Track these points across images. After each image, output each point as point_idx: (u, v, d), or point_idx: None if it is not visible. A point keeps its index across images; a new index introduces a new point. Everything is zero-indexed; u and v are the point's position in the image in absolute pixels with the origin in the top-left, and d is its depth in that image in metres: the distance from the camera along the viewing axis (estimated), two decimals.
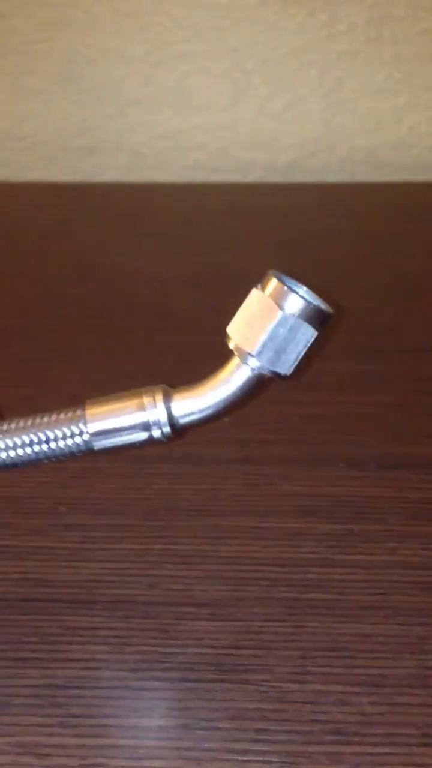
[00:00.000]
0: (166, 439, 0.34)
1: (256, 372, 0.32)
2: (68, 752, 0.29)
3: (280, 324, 0.32)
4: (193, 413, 0.33)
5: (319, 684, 0.31)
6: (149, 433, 0.33)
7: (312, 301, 0.32)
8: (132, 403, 0.33)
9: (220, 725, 0.30)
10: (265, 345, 0.32)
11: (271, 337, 0.32)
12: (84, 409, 0.33)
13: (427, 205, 0.70)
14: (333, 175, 0.75)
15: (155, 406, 0.33)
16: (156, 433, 0.33)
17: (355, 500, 0.39)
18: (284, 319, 0.32)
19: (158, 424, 0.33)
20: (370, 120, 0.75)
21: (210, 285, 0.57)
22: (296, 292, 0.32)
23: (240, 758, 0.29)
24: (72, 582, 0.35)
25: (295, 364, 0.32)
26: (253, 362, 0.32)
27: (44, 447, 0.33)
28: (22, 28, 0.73)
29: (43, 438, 0.33)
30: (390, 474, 0.41)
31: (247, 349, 0.32)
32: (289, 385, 0.45)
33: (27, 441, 0.33)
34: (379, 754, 0.29)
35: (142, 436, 0.33)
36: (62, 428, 0.33)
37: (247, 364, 0.32)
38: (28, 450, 0.33)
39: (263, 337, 0.32)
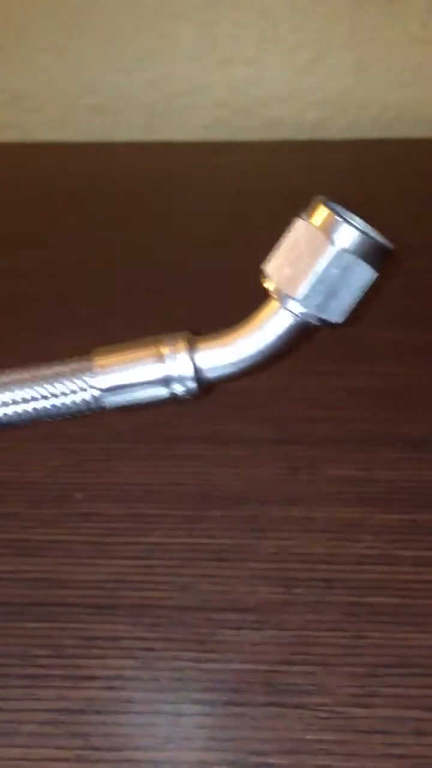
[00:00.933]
0: (191, 397, 0.29)
1: (300, 319, 0.28)
2: None
3: (332, 262, 0.27)
4: (222, 366, 0.29)
5: (391, 709, 0.26)
6: (170, 390, 0.29)
7: (370, 234, 0.27)
8: (148, 352, 0.29)
9: (272, 761, 0.25)
10: (313, 288, 0.27)
11: (321, 279, 0.27)
12: (91, 360, 0.29)
13: None
14: (365, 132, 0.71)
15: (176, 358, 0.28)
16: (179, 388, 0.29)
17: (416, 486, 0.34)
18: (338, 255, 0.27)
19: (181, 379, 0.28)
20: (406, 73, 0.70)
21: (233, 247, 0.52)
22: (351, 223, 0.27)
23: None
24: (90, 583, 0.31)
25: (349, 310, 0.28)
26: (297, 307, 0.27)
27: (46, 404, 0.29)
28: None
29: (45, 393, 0.29)
30: None
31: (290, 291, 0.27)
32: (333, 356, 0.40)
33: (27, 396, 0.29)
34: None
35: (162, 392, 0.29)
36: (66, 382, 0.29)
37: (288, 309, 0.28)
38: (28, 407, 0.29)
39: (311, 277, 0.27)
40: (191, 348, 0.29)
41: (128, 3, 0.69)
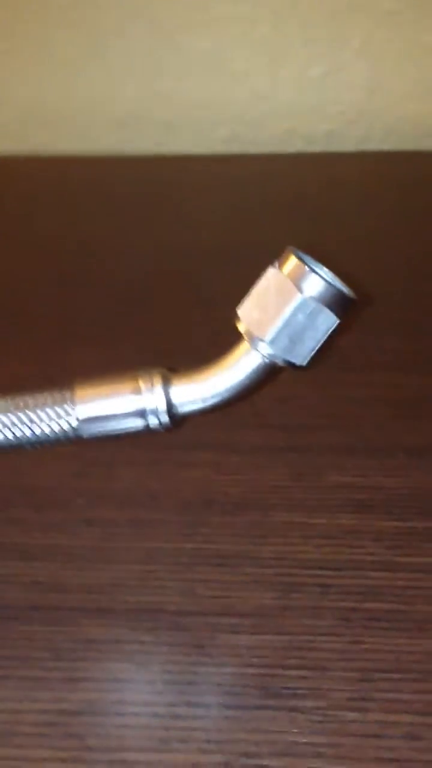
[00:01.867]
0: (163, 429, 0.31)
1: (267, 360, 0.30)
2: None
3: (298, 308, 0.29)
4: (194, 401, 0.31)
5: (384, 713, 0.26)
6: (145, 421, 0.30)
7: (334, 283, 0.29)
8: (127, 386, 0.30)
9: (266, 763, 0.25)
10: (280, 331, 0.29)
11: (288, 323, 0.29)
12: (73, 390, 0.30)
13: None
14: (377, 145, 0.71)
15: (152, 391, 0.30)
16: (152, 421, 0.30)
17: (417, 493, 0.34)
18: (303, 302, 0.29)
19: (155, 412, 0.30)
20: (419, 85, 0.70)
21: (244, 260, 0.52)
22: (318, 273, 0.29)
23: None
24: (90, 587, 0.31)
25: (312, 353, 0.29)
26: (265, 349, 0.29)
27: (26, 429, 0.30)
28: None
29: (26, 419, 0.30)
30: None
31: (259, 334, 0.29)
32: (338, 365, 0.40)
33: (6, 422, 0.30)
34: None
35: (137, 423, 0.30)
36: (47, 410, 0.30)
37: (257, 350, 0.30)
38: (8, 432, 0.30)
39: (278, 322, 0.29)
40: (166, 383, 0.30)
41: (143, 17, 0.69)
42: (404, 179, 0.65)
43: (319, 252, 0.52)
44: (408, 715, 0.26)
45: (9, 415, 0.30)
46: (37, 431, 0.30)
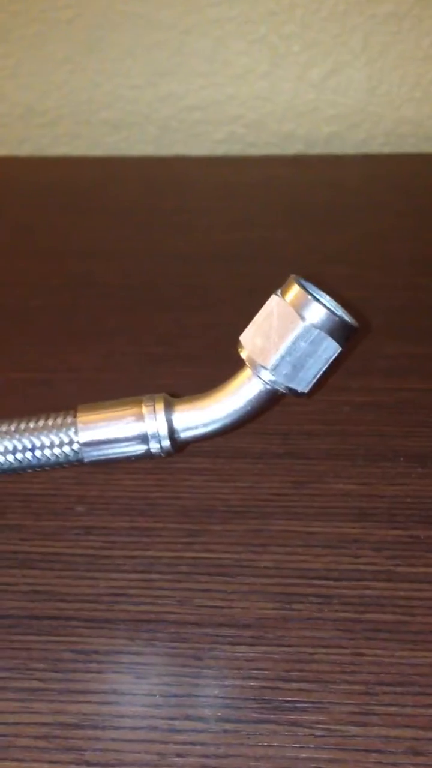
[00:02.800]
0: (164, 455, 0.31)
1: (269, 387, 0.30)
2: None
3: (301, 336, 0.29)
4: (196, 427, 0.31)
5: (386, 727, 0.26)
6: (147, 447, 0.30)
7: (337, 312, 0.30)
8: (129, 411, 0.31)
9: None
10: (282, 359, 0.29)
11: (290, 351, 0.29)
12: (75, 416, 0.31)
13: None
14: (378, 147, 0.71)
15: (155, 417, 0.30)
16: (154, 447, 0.31)
17: (419, 501, 0.34)
18: (306, 330, 0.29)
19: (157, 437, 0.30)
20: (418, 88, 0.70)
21: (244, 263, 0.52)
22: (320, 301, 0.29)
23: None
24: (89, 596, 0.30)
25: (314, 381, 0.30)
26: (267, 376, 0.30)
27: (28, 455, 0.30)
28: None
29: (28, 445, 0.30)
30: None
31: (262, 361, 0.29)
32: (334, 369, 0.40)
33: (9, 448, 0.30)
34: None
35: (139, 449, 0.31)
36: (50, 435, 0.30)
37: (259, 377, 0.30)
38: (11, 457, 0.31)
39: (281, 349, 0.29)
40: (168, 409, 0.30)
41: (142, 18, 0.69)
42: (405, 182, 0.64)
43: (319, 255, 0.52)
44: (411, 730, 0.25)
45: (11, 439, 0.30)
46: (39, 455, 0.30)
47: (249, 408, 0.30)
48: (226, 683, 0.27)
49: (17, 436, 0.30)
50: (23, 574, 0.31)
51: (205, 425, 0.31)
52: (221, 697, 0.27)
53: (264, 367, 0.29)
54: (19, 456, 0.30)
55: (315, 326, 0.29)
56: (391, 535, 0.32)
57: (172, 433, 0.30)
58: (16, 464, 0.30)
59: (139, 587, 0.31)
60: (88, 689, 0.27)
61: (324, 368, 0.29)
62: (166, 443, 0.30)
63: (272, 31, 0.69)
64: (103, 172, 0.68)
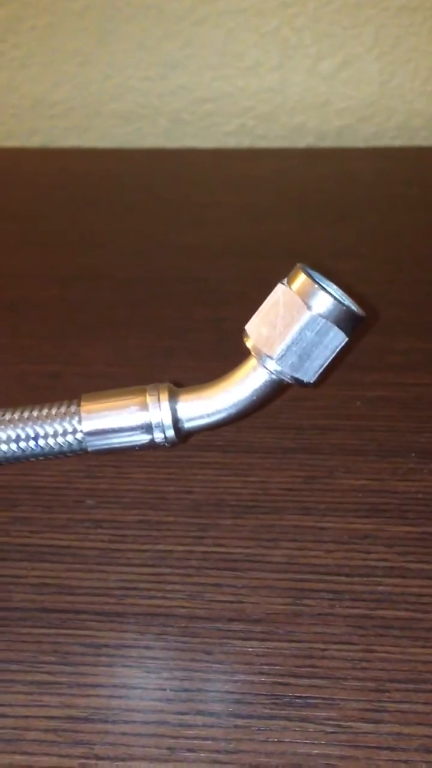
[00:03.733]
0: (168, 445, 0.30)
1: (274, 377, 0.29)
2: None
3: (307, 326, 0.28)
4: (200, 417, 0.30)
5: (398, 725, 0.25)
6: (151, 436, 0.30)
7: (344, 301, 0.29)
8: (133, 400, 0.30)
9: None
10: (288, 348, 0.29)
11: (296, 340, 0.29)
12: (79, 405, 0.30)
13: None
14: (389, 140, 0.71)
15: (159, 407, 0.30)
16: (158, 436, 0.30)
17: (431, 497, 0.33)
18: (312, 320, 0.28)
19: (161, 427, 0.30)
20: (430, 81, 0.70)
21: (254, 256, 0.52)
22: (327, 290, 0.29)
23: None
24: (99, 589, 0.30)
25: (321, 371, 0.29)
26: (273, 365, 0.29)
27: (32, 444, 0.30)
28: None
29: (32, 434, 0.30)
30: None
31: (267, 351, 0.29)
32: (350, 365, 0.40)
33: (13, 436, 0.30)
34: None
35: (143, 438, 0.30)
36: (53, 425, 0.30)
37: (265, 367, 0.29)
38: (14, 446, 0.30)
39: (287, 339, 0.29)
40: (173, 398, 0.30)
41: (153, 10, 0.69)
42: (416, 175, 0.64)
43: (329, 249, 0.52)
44: (423, 727, 0.25)
45: (14, 428, 0.30)
46: (43, 444, 0.30)
47: (254, 398, 0.30)
48: (237, 678, 0.27)
49: (21, 425, 0.30)
50: (33, 567, 0.31)
51: (209, 415, 0.30)
52: (232, 692, 0.27)
53: (270, 357, 0.29)
54: (22, 444, 0.30)
55: (321, 316, 0.28)
56: (403, 531, 0.32)
57: (176, 422, 0.30)
58: (19, 453, 0.30)
59: (149, 581, 0.30)
60: (97, 683, 0.27)
61: (330, 358, 0.29)
62: (171, 433, 0.30)
63: (284, 24, 0.69)
64: (113, 164, 0.68)
